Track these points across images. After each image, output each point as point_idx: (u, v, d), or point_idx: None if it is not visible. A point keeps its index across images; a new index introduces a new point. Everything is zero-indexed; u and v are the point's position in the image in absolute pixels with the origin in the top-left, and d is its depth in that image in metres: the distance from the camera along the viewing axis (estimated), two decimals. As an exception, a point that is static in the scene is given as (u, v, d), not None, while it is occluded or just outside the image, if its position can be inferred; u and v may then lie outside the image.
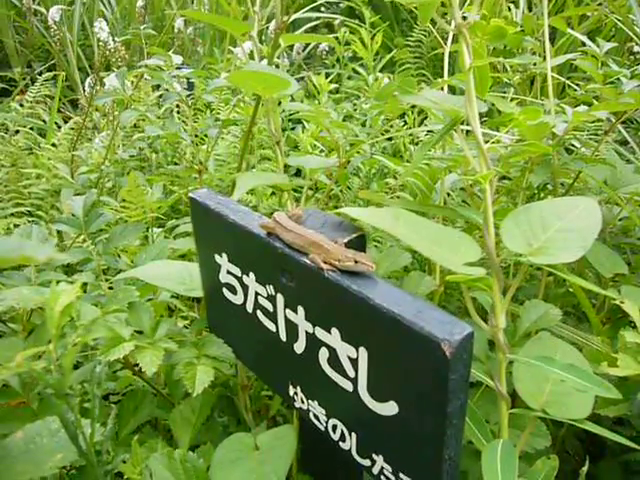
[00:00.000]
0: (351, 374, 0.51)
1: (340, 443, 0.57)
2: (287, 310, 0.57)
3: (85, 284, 1.00)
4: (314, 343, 0.54)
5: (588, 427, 0.56)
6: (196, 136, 1.67)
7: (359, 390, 0.50)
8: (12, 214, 1.73)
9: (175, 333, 0.79)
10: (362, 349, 0.48)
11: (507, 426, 0.58)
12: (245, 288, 0.63)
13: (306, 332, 0.55)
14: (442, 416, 0.43)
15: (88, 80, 2.16)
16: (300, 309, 0.55)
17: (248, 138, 1.00)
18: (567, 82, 1.54)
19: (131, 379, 0.93)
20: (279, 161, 0.91)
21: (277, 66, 2.56)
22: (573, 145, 1.28)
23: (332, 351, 0.52)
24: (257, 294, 0.61)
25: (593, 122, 1.39)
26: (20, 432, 0.49)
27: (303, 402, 0.61)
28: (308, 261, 0.51)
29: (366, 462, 0.54)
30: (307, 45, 2.97)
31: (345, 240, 0.53)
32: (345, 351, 0.50)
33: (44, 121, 2.25)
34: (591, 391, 0.48)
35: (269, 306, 0.59)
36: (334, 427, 0.57)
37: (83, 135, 2.11)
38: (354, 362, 0.50)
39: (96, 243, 1.00)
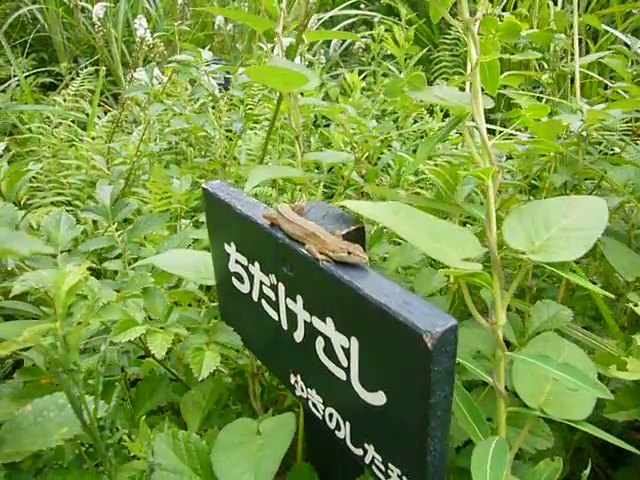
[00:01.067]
0: (344, 363, 0.52)
1: (336, 432, 0.58)
2: (287, 299, 0.58)
3: (115, 272, 1.04)
4: (311, 332, 0.55)
5: (586, 429, 0.55)
6: (229, 131, 1.70)
7: (351, 379, 0.51)
8: (52, 203, 1.81)
9: (187, 320, 0.81)
10: (353, 339, 0.49)
11: (504, 424, 0.58)
12: (251, 277, 0.64)
13: (304, 321, 0.56)
14: (426, 407, 0.43)
15: (129, 75, 2.23)
16: (299, 298, 0.56)
17: (270, 132, 1.02)
18: (608, 82, 1.50)
19: (153, 365, 0.96)
20: (297, 155, 0.92)
21: (311, 63, 2.58)
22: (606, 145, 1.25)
23: (327, 340, 0.53)
24: (262, 283, 0.62)
25: (627, 122, 1.35)
26: (29, 406, 0.52)
27: (303, 390, 0.62)
28: (306, 251, 0.52)
29: (359, 451, 0.55)
30: (344, 42, 2.97)
31: (343, 232, 0.53)
32: (338, 340, 0.51)
33: (87, 115, 2.33)
34: (583, 390, 0.48)
35: (272, 295, 0.61)
36: (330, 416, 0.58)
37: (123, 128, 2.18)
38: (347, 351, 0.50)
39: (122, 232, 1.04)
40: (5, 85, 2.95)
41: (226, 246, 0.68)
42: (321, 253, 0.50)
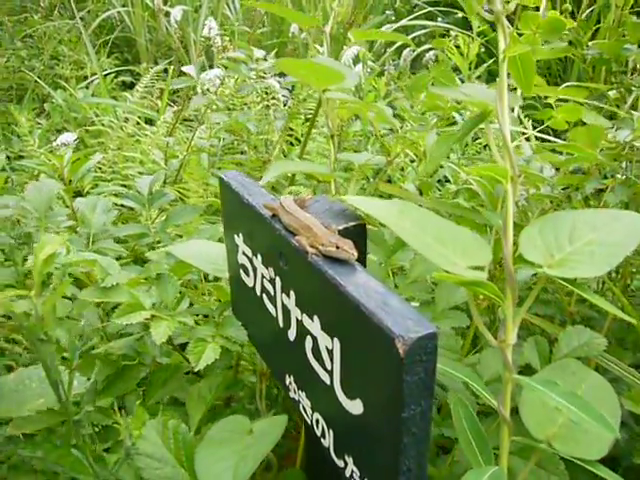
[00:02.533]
0: (328, 366, 0.48)
1: (322, 439, 0.54)
2: (283, 294, 0.55)
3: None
4: (302, 331, 0.52)
5: (597, 471, 0.49)
6: (290, 135, 1.70)
7: (334, 384, 0.48)
8: (115, 194, 1.88)
9: (199, 310, 0.80)
10: (336, 340, 0.46)
11: (507, 454, 0.53)
12: (255, 270, 0.62)
13: (296, 319, 0.53)
14: (398, 422, 0.39)
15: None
16: (292, 294, 0.53)
17: (310, 130, 1.00)
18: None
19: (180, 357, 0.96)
20: (331, 154, 0.90)
21: (382, 73, 2.56)
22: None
23: (314, 340, 0.50)
24: (263, 276, 0.60)
25: None
26: (13, 374, 0.52)
27: (295, 393, 0.59)
28: (297, 244, 0.49)
29: (340, 463, 0.51)
30: (414, 53, 2.93)
31: (340, 227, 0.50)
32: (324, 341, 0.48)
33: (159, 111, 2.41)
34: (587, 425, 0.42)
35: (271, 289, 0.59)
36: (317, 422, 0.55)
37: (188, 126, 2.24)
38: (330, 353, 0.47)
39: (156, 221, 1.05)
40: (88, 81, 3.12)
41: (235, 237, 0.66)
42: (312, 247, 0.48)
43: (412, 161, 1.80)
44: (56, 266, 0.61)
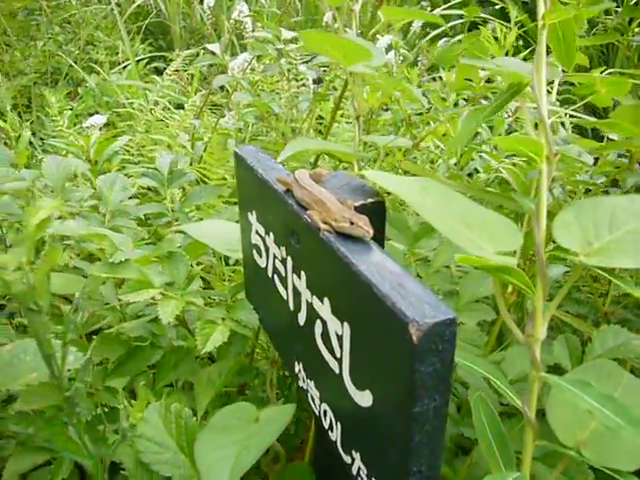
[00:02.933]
0: (337, 353, 0.45)
1: (329, 432, 0.51)
2: (294, 275, 0.52)
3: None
4: (312, 314, 0.49)
5: (632, 483, 0.44)
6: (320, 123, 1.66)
7: (343, 373, 0.44)
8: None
9: (210, 292, 0.77)
10: (346, 324, 0.42)
11: (530, 459, 0.48)
12: (267, 250, 0.59)
13: (306, 302, 0.50)
14: (408, 417, 0.35)
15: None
16: (303, 275, 0.49)
17: (336, 111, 0.96)
18: None
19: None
20: (356, 136, 0.86)
21: (415, 64, 2.49)
22: None
23: (324, 325, 0.46)
24: (274, 257, 0.57)
25: None
26: (9, 345, 0.50)
27: (304, 381, 0.55)
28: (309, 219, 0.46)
29: (348, 459, 0.47)
30: (448, 43, 2.85)
31: (356, 203, 0.46)
32: (333, 326, 0.44)
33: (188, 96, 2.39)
34: (623, 432, 0.37)
35: (282, 270, 0.55)
36: (325, 413, 0.51)
37: (216, 111, 2.23)
38: (340, 339, 0.43)
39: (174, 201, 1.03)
40: (121, 66, 3.14)
41: (249, 215, 0.63)
42: (324, 222, 0.44)
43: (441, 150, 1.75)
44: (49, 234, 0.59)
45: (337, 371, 0.45)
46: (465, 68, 0.56)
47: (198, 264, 1.16)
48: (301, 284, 0.50)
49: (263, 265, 0.61)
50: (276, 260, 0.56)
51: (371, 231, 0.41)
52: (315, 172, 0.52)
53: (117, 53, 3.35)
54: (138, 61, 3.23)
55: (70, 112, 2.15)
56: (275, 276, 0.58)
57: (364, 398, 0.41)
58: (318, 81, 2.06)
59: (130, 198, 1.37)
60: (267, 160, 0.60)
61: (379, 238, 0.46)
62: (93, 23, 3.71)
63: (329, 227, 0.43)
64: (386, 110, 1.96)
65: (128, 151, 2.01)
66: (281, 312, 0.58)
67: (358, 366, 0.42)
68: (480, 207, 0.48)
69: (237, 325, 0.66)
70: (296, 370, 0.57)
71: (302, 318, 0.52)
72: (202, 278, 1.14)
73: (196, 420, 0.72)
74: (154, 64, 3.36)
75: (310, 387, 0.54)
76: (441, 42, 2.97)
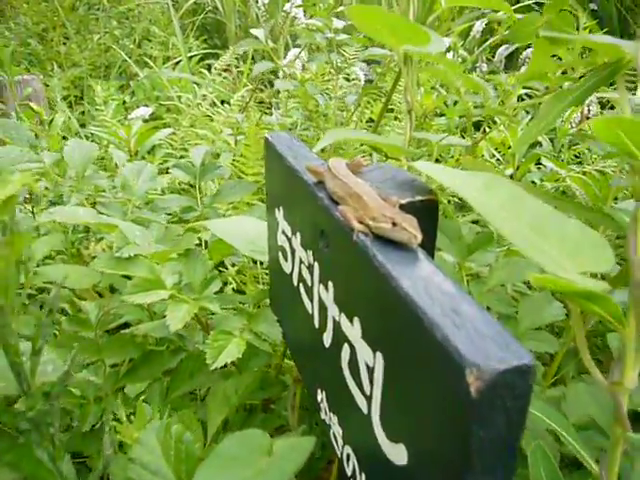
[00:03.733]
0: (367, 389, 0.35)
1: (352, 481, 0.41)
2: (320, 286, 0.43)
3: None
4: (339, 336, 0.39)
5: None
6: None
7: (372, 415, 0.35)
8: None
9: (230, 298, 0.69)
10: (379, 355, 0.32)
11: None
12: (293, 253, 0.50)
13: (333, 319, 0.40)
14: (459, 492, 0.26)
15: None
16: (330, 286, 0.40)
17: (387, 104, 0.87)
18: None
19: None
20: (406, 131, 0.76)
21: (473, 69, 2.37)
22: None
23: (352, 351, 0.37)
24: (301, 262, 0.48)
25: None
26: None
27: (326, 414, 0.46)
28: (341, 217, 0.36)
29: (372, 520, 0.38)
30: (509, 49, 2.71)
31: (403, 201, 0.37)
32: (363, 354, 0.35)
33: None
34: None
35: (308, 278, 0.46)
36: (348, 457, 0.41)
37: (265, 109, 2.17)
38: (370, 372, 0.34)
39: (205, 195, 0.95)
40: (173, 62, 3.14)
41: (276, 212, 0.54)
42: (360, 222, 0.35)
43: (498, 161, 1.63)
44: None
45: (365, 411, 0.36)
46: (544, 45, 0.45)
47: (233, 265, 1.08)
48: (328, 297, 0.41)
49: (288, 271, 0.52)
50: (302, 266, 0.47)
51: (419, 236, 0.32)
52: (353, 161, 0.42)
53: (170, 49, 3.36)
54: (191, 57, 3.22)
55: (116, 102, 2.13)
56: (301, 285, 0.49)
57: (397, 453, 0.32)
58: (369, 82, 1.96)
59: (172, 193, 1.31)
60: (301, 148, 0.51)
61: (428, 247, 0.36)
62: (149, 18, 3.74)
63: (365, 228, 0.34)
64: (440, 116, 1.85)
65: (172, 145, 1.97)
66: (305, 328, 0.48)
67: (392, 410, 0.32)
68: (558, 214, 0.38)
69: (256, 338, 0.58)
70: (318, 399, 0.48)
71: (328, 339, 0.42)
72: (236, 281, 1.07)
73: (205, 441, 0.64)
74: (207, 61, 3.35)
75: (333, 422, 0.44)
76: (501, 49, 2.83)
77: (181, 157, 1.85)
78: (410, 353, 0.28)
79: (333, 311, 0.40)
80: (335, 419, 0.44)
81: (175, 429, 0.52)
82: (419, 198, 0.37)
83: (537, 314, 0.59)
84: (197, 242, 0.98)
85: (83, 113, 2.74)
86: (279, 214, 0.53)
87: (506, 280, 0.60)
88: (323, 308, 0.42)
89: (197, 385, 0.79)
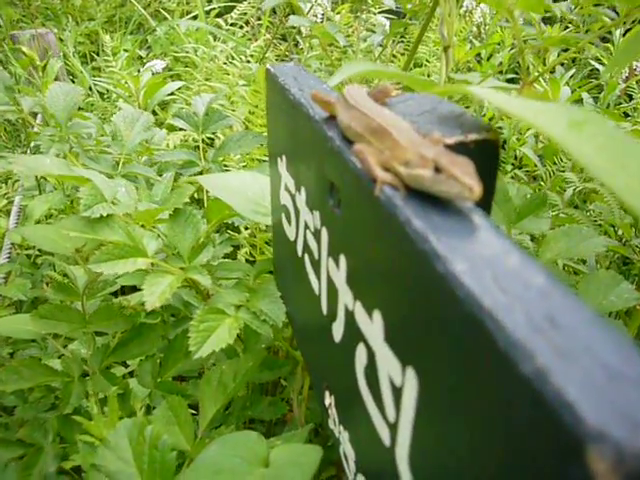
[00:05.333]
0: (390, 414, 0.24)
1: (366, 522, 0.31)
2: (330, 260, 0.31)
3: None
4: (352, 332, 0.28)
5: None
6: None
7: (396, 451, 0.24)
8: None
9: (233, 266, 0.58)
10: (411, 372, 0.21)
11: None
12: (297, 215, 0.39)
13: (345, 308, 0.29)
14: None
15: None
16: (342, 261, 0.29)
17: (421, 36, 0.74)
18: None
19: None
20: (442, 70, 0.63)
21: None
22: None
23: (371, 356, 0.26)
24: (306, 226, 0.36)
25: None
26: None
27: (335, 424, 0.35)
28: (357, 162, 0.25)
29: None
30: None
31: (450, 140, 0.25)
32: (387, 364, 0.24)
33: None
34: None
35: (315, 249, 0.35)
36: (362, 490, 0.31)
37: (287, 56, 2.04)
38: (397, 393, 0.23)
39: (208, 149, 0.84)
40: (191, 15, 3.00)
41: (279, 161, 0.43)
42: (385, 168, 0.23)
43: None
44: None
45: (387, 442, 0.25)
46: None
47: (246, 228, 0.97)
48: (339, 276, 0.29)
49: (292, 237, 0.41)
50: (308, 232, 0.36)
51: (477, 188, 0.20)
52: (379, 87, 0.30)
53: (188, 3, 3.22)
54: (209, 12, 3.08)
55: (127, 54, 2.02)
56: (306, 257, 0.38)
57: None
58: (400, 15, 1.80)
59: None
60: (310, 79, 0.39)
61: (487, 205, 0.25)
62: (168, -31, 3.58)
63: (394, 177, 0.22)
64: (470, 71, 1.70)
65: (186, 100, 1.86)
66: (312, 313, 0.37)
67: (429, 451, 0.21)
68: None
69: (254, 318, 0.47)
70: (326, 402, 0.37)
71: (339, 331, 0.31)
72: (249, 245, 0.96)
73: (195, 436, 0.55)
74: (227, 16, 3.20)
75: (343, 438, 0.34)
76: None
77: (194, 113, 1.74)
78: (470, 383, 0.17)
79: (345, 296, 0.29)
80: (346, 435, 0.33)
81: (150, 431, 0.42)
82: (472, 137, 0.25)
83: (602, 297, 0.47)
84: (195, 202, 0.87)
85: (99, 69, 2.64)
86: (281, 164, 0.41)
87: (565, 254, 0.48)
88: (333, 290, 0.31)
89: (194, 365, 0.70)
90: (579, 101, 1.68)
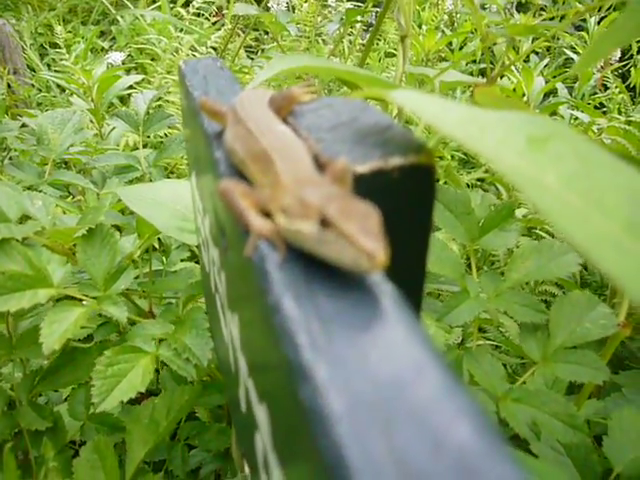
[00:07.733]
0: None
1: None
2: (227, 311, 0.25)
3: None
4: (250, 413, 0.22)
5: None
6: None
7: None
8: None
9: (163, 285, 0.52)
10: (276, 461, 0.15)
11: None
12: (207, 245, 0.32)
13: (244, 377, 0.23)
14: None
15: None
16: (236, 319, 0.22)
17: (377, 31, 0.67)
18: None
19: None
20: (398, 64, 0.57)
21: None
22: None
23: (265, 449, 0.20)
24: (213, 262, 0.30)
25: None
26: None
27: (252, 502, 0.29)
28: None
29: None
30: None
31: (364, 169, 0.18)
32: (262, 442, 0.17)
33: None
34: None
35: (221, 291, 0.28)
36: None
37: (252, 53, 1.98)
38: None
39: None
40: (155, 5, 2.89)
41: (192, 176, 0.36)
42: (265, 213, 0.16)
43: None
44: None
45: None
46: None
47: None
48: (235, 336, 0.23)
49: (207, 269, 0.35)
50: (214, 269, 0.29)
51: (380, 256, 0.13)
52: (284, 92, 0.24)
53: (152, -9, 3.11)
54: (175, 1, 2.97)
55: (82, 47, 1.93)
56: (217, 296, 0.31)
57: None
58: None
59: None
60: (221, 79, 0.32)
61: (418, 268, 0.18)
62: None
63: (274, 228, 0.16)
64: (442, 61, 1.64)
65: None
66: (226, 363, 0.31)
67: None
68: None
69: (176, 356, 0.40)
70: (246, 469, 0.31)
71: (242, 397, 0.25)
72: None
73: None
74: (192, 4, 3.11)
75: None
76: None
77: (158, 107, 1.66)
78: None
79: (242, 364, 0.22)
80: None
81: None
82: (396, 162, 0.19)
83: (576, 323, 0.41)
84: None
85: (58, 61, 2.53)
86: (193, 181, 0.35)
87: (534, 274, 0.42)
88: (234, 349, 0.25)
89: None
90: (554, 92, 1.64)
